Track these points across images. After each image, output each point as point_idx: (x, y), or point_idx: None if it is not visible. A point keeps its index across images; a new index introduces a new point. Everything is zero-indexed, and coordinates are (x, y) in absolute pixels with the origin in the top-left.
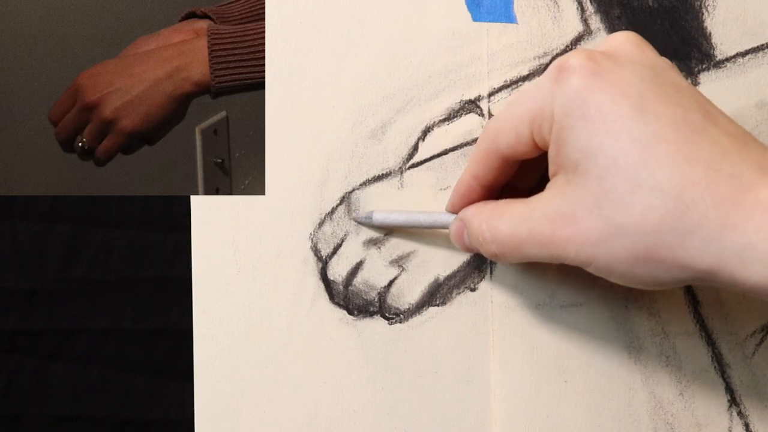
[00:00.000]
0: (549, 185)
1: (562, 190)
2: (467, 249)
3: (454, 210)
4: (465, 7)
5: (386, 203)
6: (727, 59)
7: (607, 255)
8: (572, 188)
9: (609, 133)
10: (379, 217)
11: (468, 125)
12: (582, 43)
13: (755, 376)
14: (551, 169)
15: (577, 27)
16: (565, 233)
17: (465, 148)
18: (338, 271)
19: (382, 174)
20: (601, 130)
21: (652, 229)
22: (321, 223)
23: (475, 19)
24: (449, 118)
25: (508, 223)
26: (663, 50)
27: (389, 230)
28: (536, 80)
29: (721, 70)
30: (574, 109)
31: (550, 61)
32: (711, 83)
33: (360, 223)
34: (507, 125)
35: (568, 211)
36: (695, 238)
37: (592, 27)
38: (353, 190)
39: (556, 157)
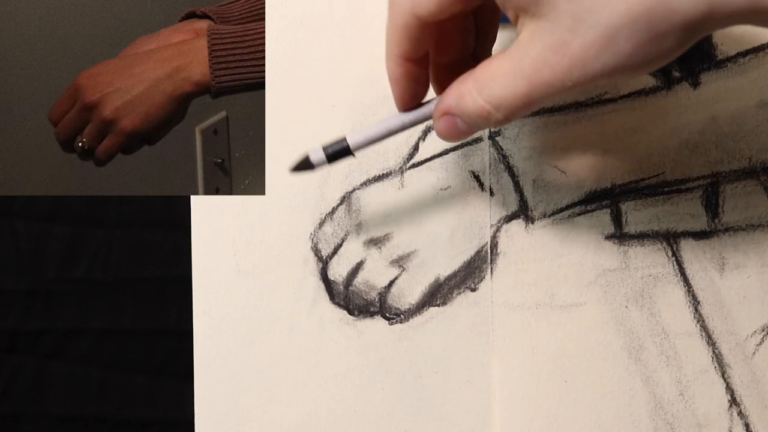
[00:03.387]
0: (520, 29)
1: (537, 27)
2: (465, 135)
3: (406, 105)
4: None
5: (387, 203)
6: (728, 59)
7: (614, 57)
8: (545, 20)
9: None
10: (354, 139)
11: None
12: None
13: (755, 376)
14: (510, 13)
15: None
16: (564, 63)
17: (465, 147)
18: (339, 271)
19: (383, 174)
20: None
21: (643, 9)
22: (321, 223)
23: None
24: None
25: (503, 84)
26: None
27: (362, 147)
28: None
29: (721, 69)
30: None
31: None
32: (712, 83)
33: (307, 167)
34: None
35: (556, 42)
36: None
37: None
38: (354, 189)
39: (507, 2)
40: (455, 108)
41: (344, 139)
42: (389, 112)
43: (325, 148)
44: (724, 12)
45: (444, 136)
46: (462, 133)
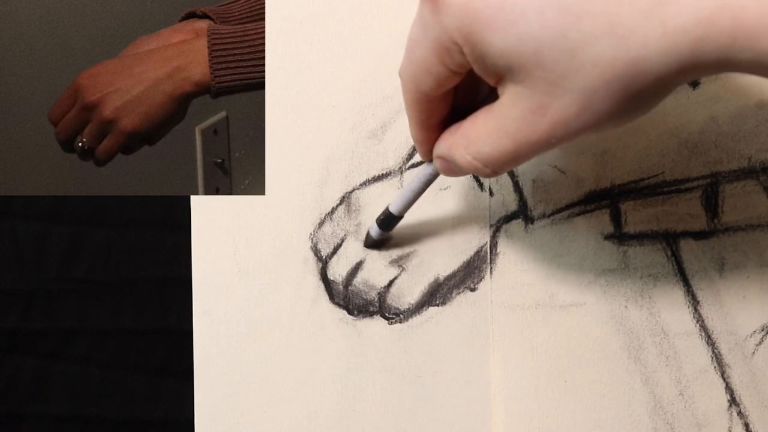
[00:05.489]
0: (501, 92)
1: (516, 92)
2: (462, 175)
3: (428, 157)
4: None
5: (386, 203)
6: None
7: (593, 116)
8: (523, 86)
9: (516, 23)
10: (376, 230)
11: None
12: None
13: (755, 376)
14: (491, 80)
15: None
16: (545, 124)
17: None
18: (338, 271)
19: (382, 174)
20: (506, 24)
21: (615, 73)
22: (321, 223)
23: None
24: None
25: (489, 143)
26: None
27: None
28: (416, 20)
29: None
30: (471, 25)
31: None
32: (711, 83)
33: (375, 242)
34: (420, 72)
35: (535, 105)
36: (667, 30)
37: None
38: (353, 190)
39: (486, 71)
40: (447, 156)
41: (387, 208)
42: (389, 112)
43: (377, 220)
44: (695, 67)
45: (444, 174)
46: (457, 174)
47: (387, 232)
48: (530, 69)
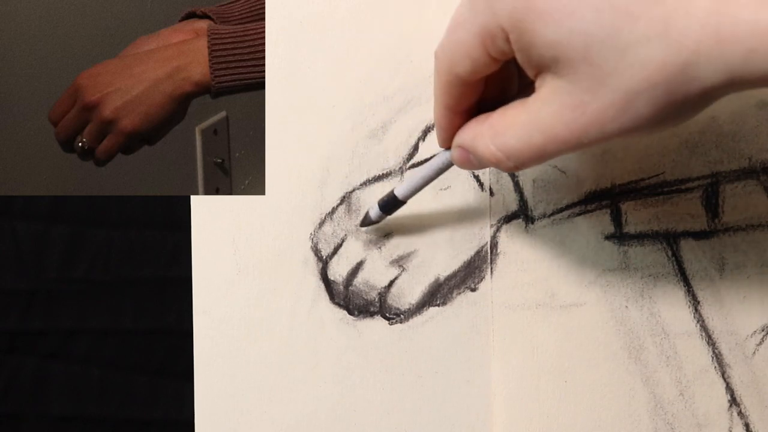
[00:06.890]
0: (540, 85)
1: (556, 86)
2: (478, 168)
3: (447, 144)
4: None
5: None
6: None
7: (631, 120)
8: (565, 81)
9: (571, 16)
10: (377, 211)
11: None
12: None
13: (755, 376)
14: (531, 72)
15: None
16: (581, 123)
17: None
18: (338, 271)
19: (383, 174)
20: (561, 17)
21: (663, 76)
22: (321, 223)
23: None
24: None
25: (518, 136)
26: None
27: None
28: (464, 0)
29: None
30: (523, 12)
31: None
32: None
33: (371, 224)
34: (458, 54)
35: (574, 102)
36: (710, 49)
37: None
38: (354, 190)
39: (529, 61)
40: (469, 146)
41: (392, 191)
42: (389, 112)
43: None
44: (744, 80)
45: (458, 165)
46: (474, 166)
47: (386, 215)
48: (576, 64)
